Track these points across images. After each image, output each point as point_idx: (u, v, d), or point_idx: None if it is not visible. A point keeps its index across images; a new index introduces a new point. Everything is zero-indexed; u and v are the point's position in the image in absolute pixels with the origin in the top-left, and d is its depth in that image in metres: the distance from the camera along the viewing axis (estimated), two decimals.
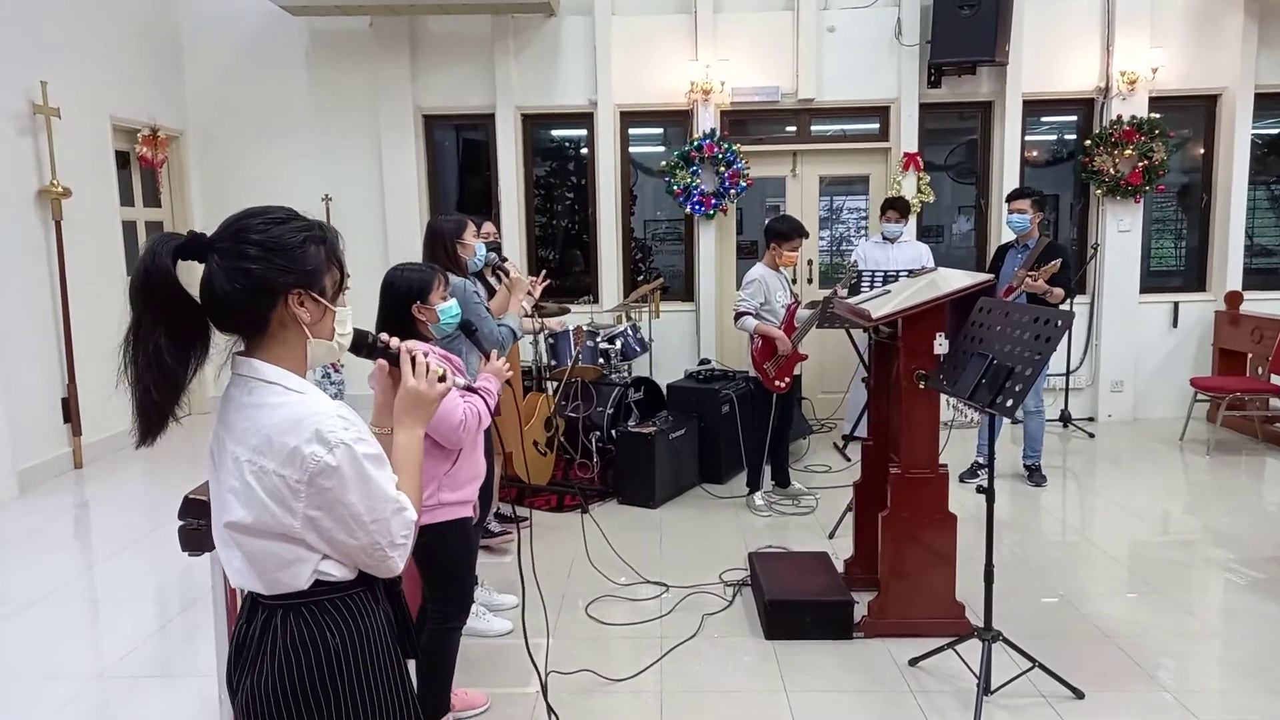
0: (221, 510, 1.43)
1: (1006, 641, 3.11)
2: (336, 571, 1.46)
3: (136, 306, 1.35)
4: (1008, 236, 5.85)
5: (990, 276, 3.50)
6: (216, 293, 1.39)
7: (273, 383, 1.42)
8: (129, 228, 6.81)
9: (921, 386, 3.37)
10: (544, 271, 4.39)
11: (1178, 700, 3.08)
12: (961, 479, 5.64)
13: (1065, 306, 6.43)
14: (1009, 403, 2.80)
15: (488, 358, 2.82)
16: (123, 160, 6.79)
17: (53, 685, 3.29)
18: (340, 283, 1.52)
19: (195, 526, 2.25)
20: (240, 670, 1.49)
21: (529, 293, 3.83)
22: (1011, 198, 5.51)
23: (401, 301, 2.65)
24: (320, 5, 6.73)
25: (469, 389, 1.99)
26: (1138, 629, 3.64)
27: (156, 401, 1.37)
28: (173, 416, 1.40)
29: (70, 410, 5.93)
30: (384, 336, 1.67)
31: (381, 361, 1.66)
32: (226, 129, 7.43)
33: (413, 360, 1.62)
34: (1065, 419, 7.01)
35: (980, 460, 5.76)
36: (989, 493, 3.07)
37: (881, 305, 3.56)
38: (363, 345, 1.62)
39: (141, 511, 5.22)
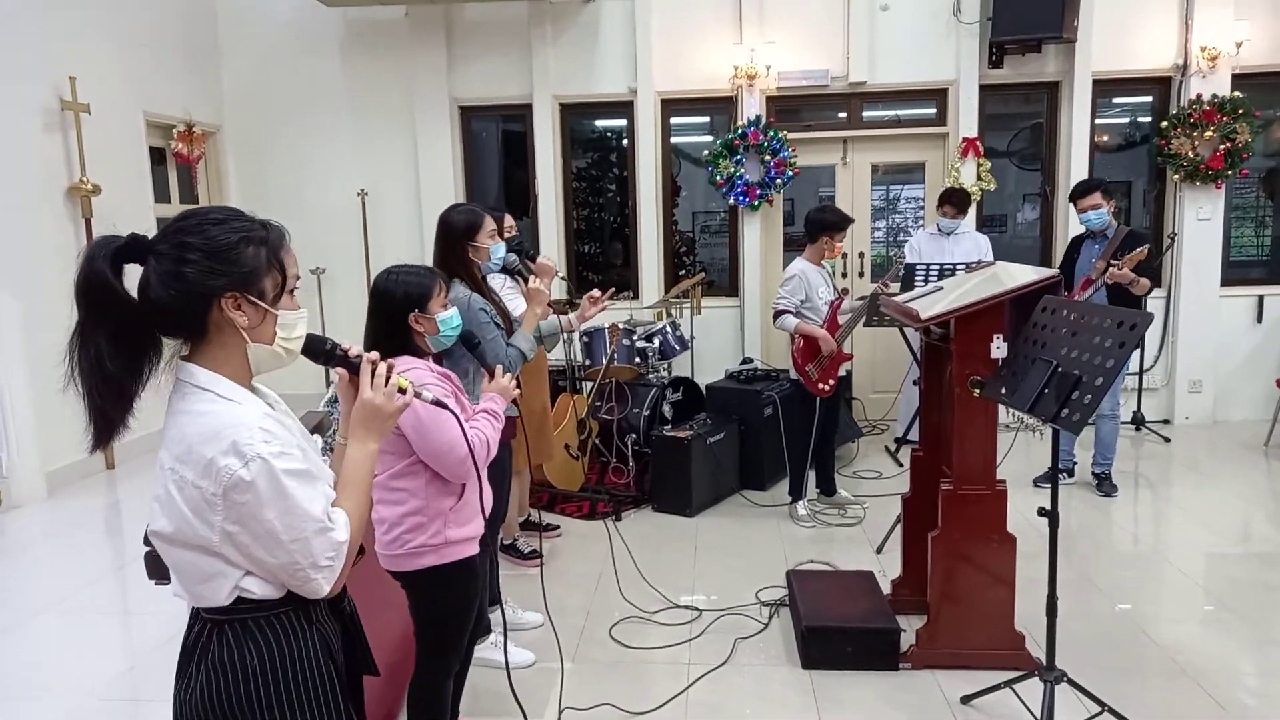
0: (150, 517, 1.41)
1: (1071, 682, 2.77)
2: (258, 589, 1.41)
3: (80, 310, 1.33)
4: (1075, 226, 5.42)
5: (1055, 272, 3.13)
6: (150, 297, 1.35)
7: (205, 389, 1.38)
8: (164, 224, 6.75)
9: (976, 394, 3.03)
10: (611, 289, 3.91)
11: None
12: (1036, 483, 5.26)
13: (1147, 298, 6.05)
14: (1076, 416, 2.46)
15: (491, 375, 2.51)
16: (158, 156, 6.73)
17: (66, 687, 3.16)
18: (282, 286, 1.45)
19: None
20: (178, 680, 1.47)
21: (563, 310, 3.50)
22: (1079, 194, 5.06)
23: (397, 310, 2.32)
24: None
25: (438, 403, 1.72)
26: (1219, 663, 3.25)
27: (100, 408, 1.35)
28: (123, 424, 1.38)
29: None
30: (345, 343, 1.60)
31: (342, 370, 1.61)
32: (262, 123, 7.34)
33: (372, 370, 1.56)
34: (1139, 422, 6.54)
35: (1059, 465, 5.36)
36: (1052, 516, 2.73)
37: (932, 304, 3.23)
38: (319, 351, 1.57)
39: None
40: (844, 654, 3.26)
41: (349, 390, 1.62)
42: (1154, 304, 6.53)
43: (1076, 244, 5.21)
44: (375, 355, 1.58)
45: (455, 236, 3.14)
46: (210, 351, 1.41)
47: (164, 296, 1.34)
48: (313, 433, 2.87)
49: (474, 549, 2.40)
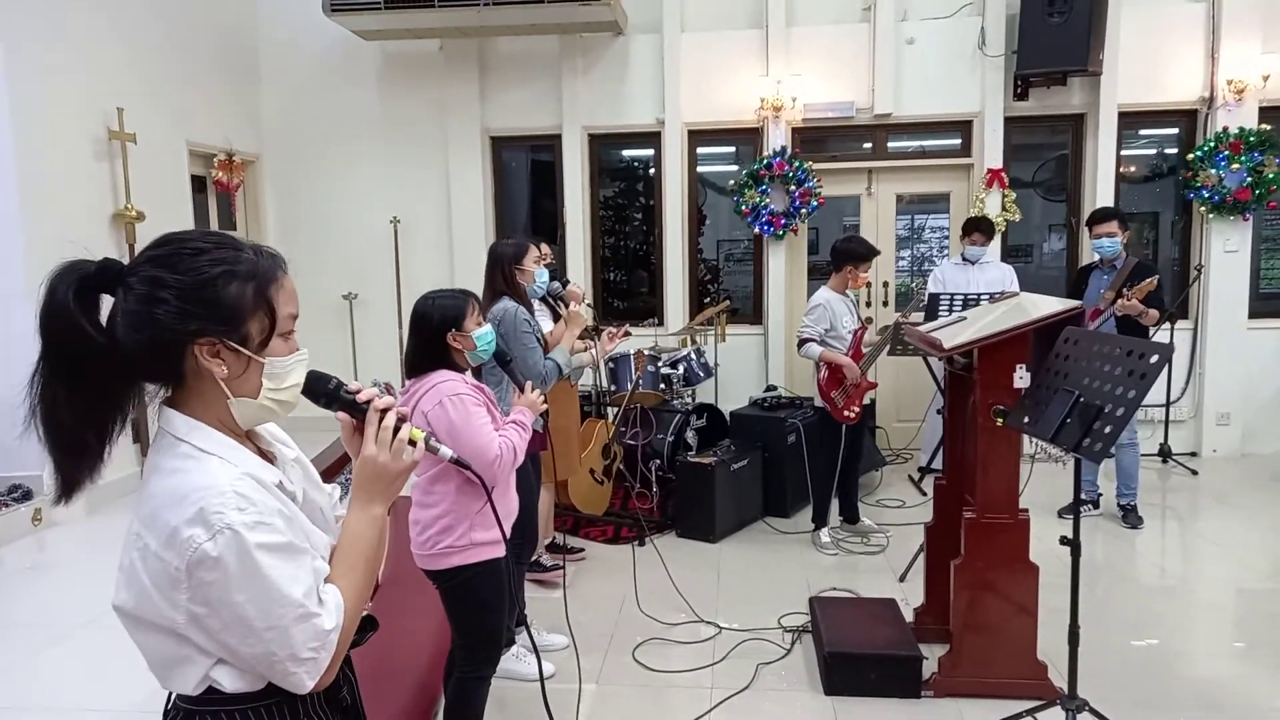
0: (114, 588, 1.20)
1: (1093, 712, 2.78)
2: (229, 682, 1.19)
3: (40, 347, 1.13)
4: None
5: (1078, 304, 3.17)
6: (116, 338, 1.14)
7: (182, 439, 1.18)
8: None
9: (999, 424, 3.06)
10: (625, 326, 4.26)
11: None
12: (1060, 514, 5.25)
13: (1164, 331, 6.03)
14: (1098, 446, 2.49)
15: (522, 390, 2.69)
16: (199, 184, 6.93)
17: (101, 698, 3.25)
18: (271, 329, 1.21)
19: None
20: None
21: (593, 338, 3.73)
22: (1096, 220, 5.09)
23: (437, 331, 2.53)
24: (392, 30, 6.77)
25: (457, 462, 1.51)
26: (1246, 697, 3.23)
27: (58, 463, 1.15)
28: (88, 480, 1.17)
29: (140, 430, 5.99)
30: (353, 384, 1.35)
31: (342, 415, 1.34)
32: (300, 152, 7.53)
33: (380, 420, 1.31)
34: (1165, 454, 6.50)
35: (1083, 496, 5.35)
36: (1074, 545, 2.75)
37: (956, 334, 3.28)
38: (321, 392, 1.31)
39: None
40: (866, 681, 3.27)
41: (353, 440, 1.35)
42: (1180, 336, 6.52)
43: (1085, 273, 5.23)
44: (388, 401, 1.34)
45: (505, 262, 3.51)
46: (190, 400, 1.20)
47: (130, 340, 1.14)
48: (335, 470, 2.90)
49: (499, 551, 2.52)
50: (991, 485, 3.20)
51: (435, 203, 7.37)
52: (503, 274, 3.53)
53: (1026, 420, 2.90)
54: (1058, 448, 2.62)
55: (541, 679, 1.98)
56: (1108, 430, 2.48)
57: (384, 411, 1.31)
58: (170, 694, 1.27)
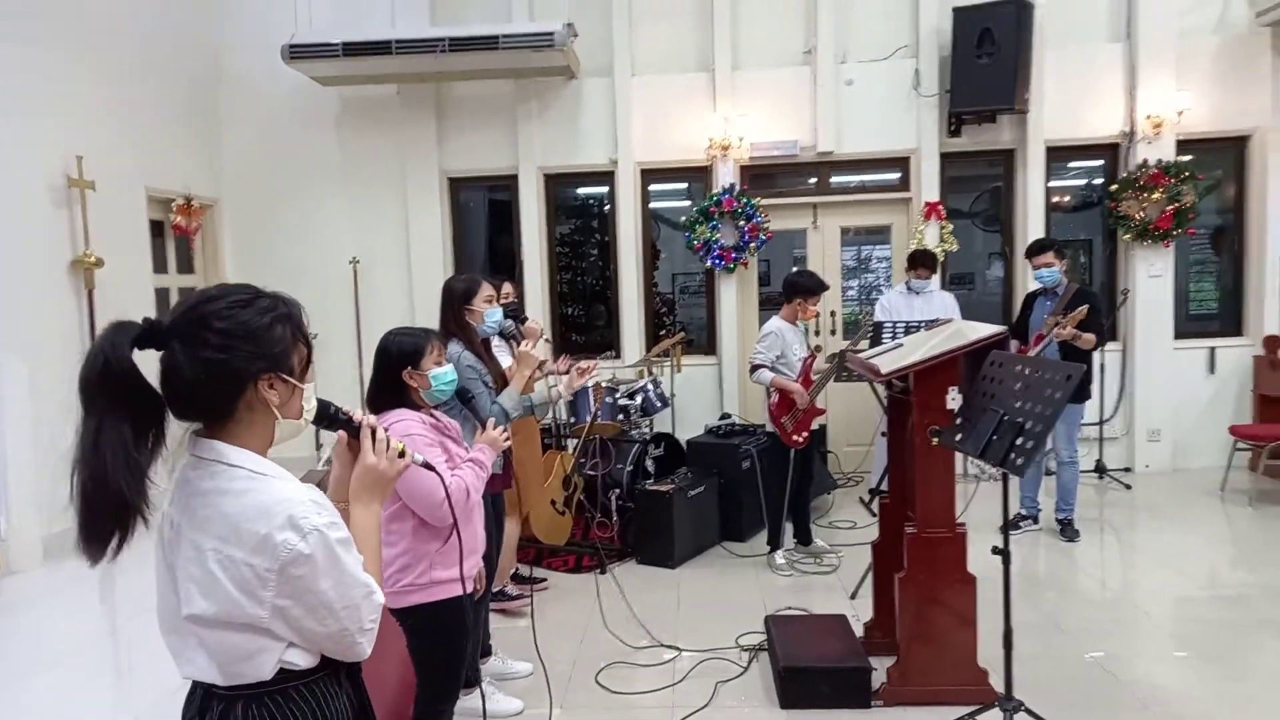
0: (181, 602, 1.36)
1: (1029, 712, 2.97)
2: (301, 660, 1.42)
3: (94, 401, 1.28)
4: (1034, 283, 5.74)
5: (1003, 329, 3.42)
6: (180, 382, 1.34)
7: (236, 466, 1.37)
8: (162, 294, 6.98)
9: (935, 443, 3.28)
10: (595, 360, 4.06)
11: None
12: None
13: (1098, 352, 6.35)
14: (1020, 460, 2.71)
15: (484, 426, 2.77)
16: (157, 228, 6.98)
17: None
18: (308, 358, 1.48)
19: None
20: None
21: (541, 368, 3.69)
22: (1034, 251, 5.41)
23: (393, 367, 2.59)
24: (350, 76, 6.93)
25: (426, 465, 1.81)
26: (1180, 697, 3.45)
27: (131, 502, 1.28)
28: (141, 517, 1.31)
29: None
30: (347, 408, 1.61)
31: (341, 433, 1.62)
32: (259, 195, 7.63)
33: (373, 434, 1.58)
34: (1101, 470, 6.81)
35: (1023, 512, 5.62)
36: (1005, 554, 2.96)
37: (893, 360, 3.50)
38: (325, 416, 1.57)
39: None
40: (819, 693, 3.43)
41: (346, 454, 1.63)
42: (1110, 357, 6.87)
43: (1030, 300, 5.53)
44: (374, 420, 1.61)
45: (454, 301, 3.45)
46: (234, 430, 1.40)
47: (195, 381, 1.33)
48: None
49: (463, 587, 2.55)
50: (930, 501, 3.41)
51: (394, 243, 7.50)
52: (452, 313, 3.46)
53: (959, 439, 3.12)
54: (986, 463, 2.82)
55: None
56: (1029, 445, 2.69)
57: (374, 429, 1.58)
58: (193, 701, 1.46)
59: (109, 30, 6.34)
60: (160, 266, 7.03)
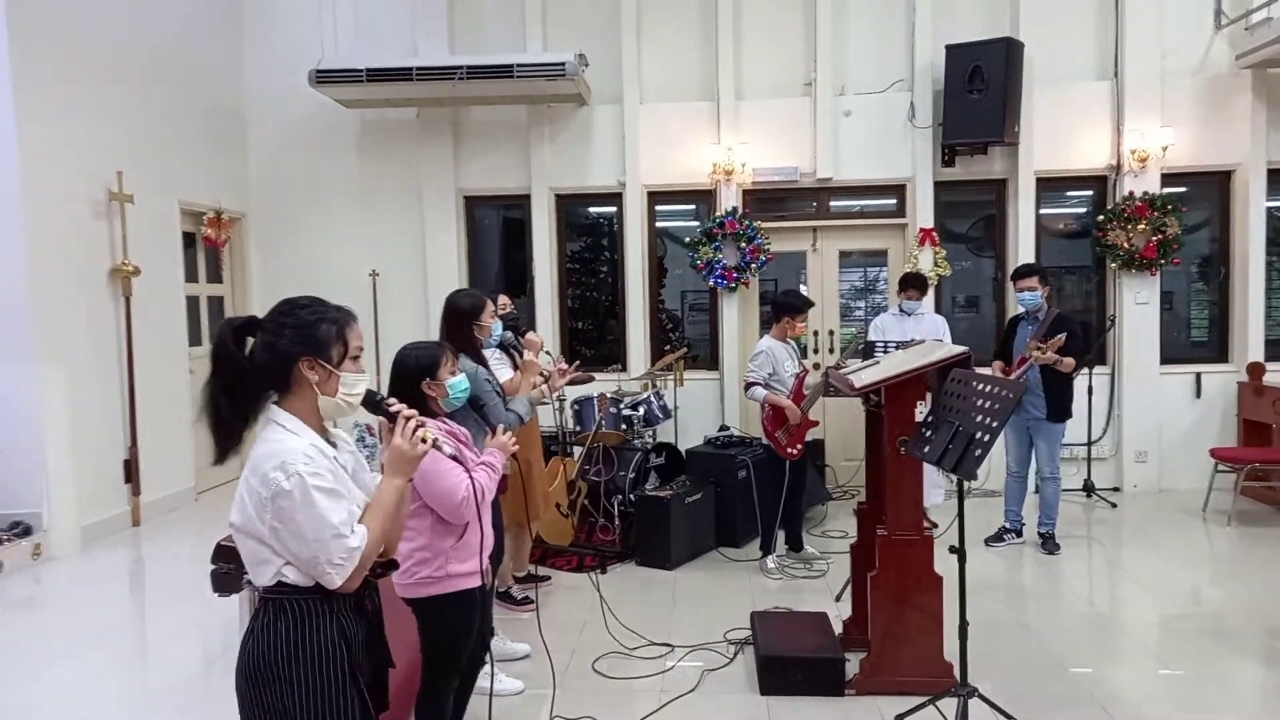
0: (231, 512, 1.88)
1: (982, 698, 3.25)
2: (292, 576, 1.83)
3: (211, 369, 1.87)
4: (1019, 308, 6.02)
5: (964, 349, 3.71)
6: (255, 359, 1.87)
7: (279, 424, 1.87)
8: (192, 302, 7.38)
9: (902, 452, 3.58)
10: (576, 363, 4.41)
11: None
12: (987, 542, 5.78)
13: (1087, 375, 6.65)
14: (968, 466, 3.02)
15: (494, 432, 3.03)
16: (189, 240, 7.38)
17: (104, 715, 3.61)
18: (345, 355, 1.93)
19: (225, 570, 2.55)
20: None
21: (545, 379, 3.99)
22: (1018, 275, 5.71)
23: (412, 378, 2.82)
24: (371, 99, 7.33)
25: (453, 457, 2.23)
26: (1130, 693, 3.72)
27: (216, 441, 1.87)
28: (232, 452, 1.87)
29: (131, 471, 6.38)
30: (391, 400, 2.03)
31: (383, 419, 2.03)
32: (284, 210, 8.03)
33: (405, 422, 1.97)
34: (1089, 489, 7.07)
35: (1007, 525, 5.88)
36: (960, 553, 3.25)
37: (864, 376, 3.81)
38: (370, 403, 2.00)
39: (191, 565, 5.58)
40: (796, 681, 3.73)
41: (388, 437, 2.03)
42: (1099, 380, 7.13)
43: (1014, 324, 5.82)
44: (411, 412, 2.00)
45: (462, 318, 3.72)
46: (291, 400, 1.90)
47: (263, 358, 1.87)
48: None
49: (473, 582, 2.84)
50: (900, 507, 3.70)
51: (411, 257, 7.87)
52: (460, 329, 3.69)
53: (926, 450, 3.43)
54: (941, 469, 3.13)
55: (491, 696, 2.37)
56: (978, 453, 3.00)
57: (409, 418, 1.98)
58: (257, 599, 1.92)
59: (148, 57, 6.79)
60: (191, 276, 7.42)
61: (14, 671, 4.12)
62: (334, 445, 1.97)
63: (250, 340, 1.89)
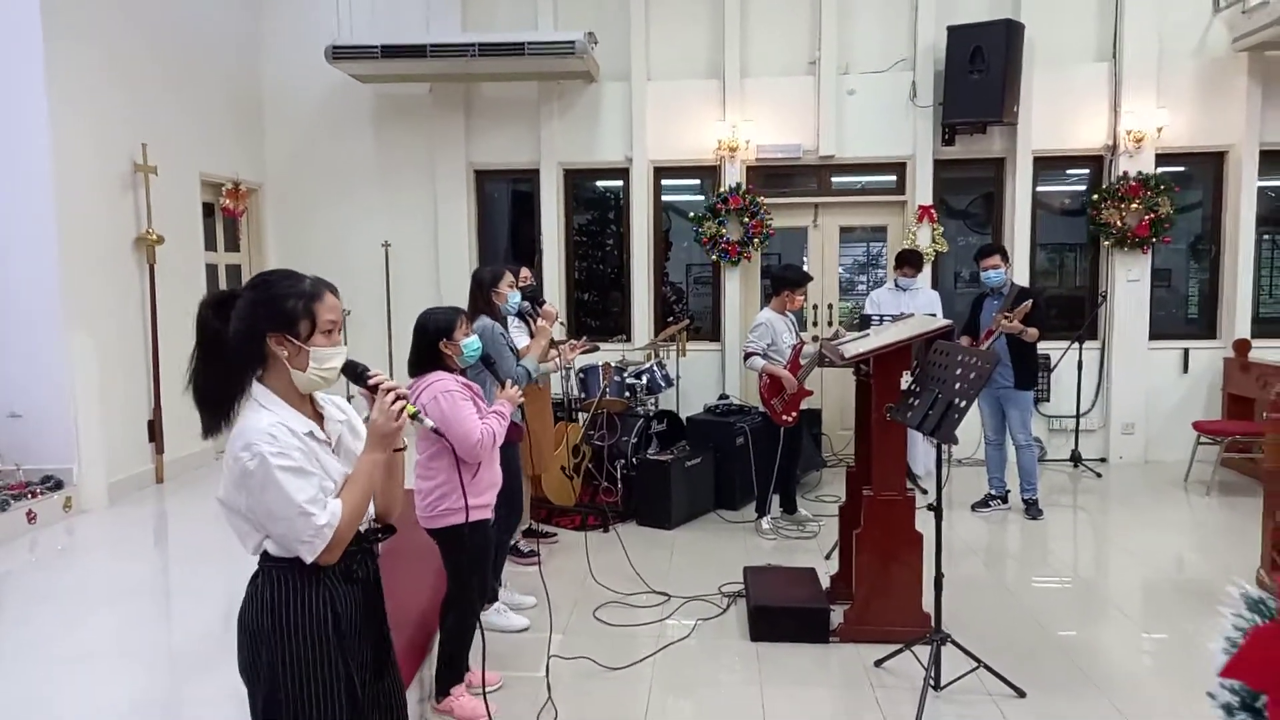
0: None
1: (954, 643, 3.52)
2: (272, 548, 1.88)
3: (195, 341, 1.91)
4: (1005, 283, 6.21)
5: (948, 323, 3.95)
6: (230, 332, 1.86)
7: (256, 400, 1.87)
8: (211, 270, 7.62)
9: (888, 418, 3.82)
10: (585, 338, 4.90)
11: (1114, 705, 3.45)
12: (973, 508, 6.04)
13: (1077, 350, 6.89)
14: (945, 430, 3.26)
15: (503, 386, 3.40)
16: (208, 210, 7.61)
17: (128, 663, 3.87)
18: (314, 329, 1.88)
19: None
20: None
21: (555, 345, 4.41)
22: (982, 255, 5.93)
23: (431, 339, 3.24)
24: (386, 75, 7.51)
25: (435, 431, 2.28)
26: (1098, 644, 3.99)
27: (203, 414, 1.89)
28: (223, 425, 1.89)
29: (155, 431, 6.67)
30: (374, 371, 1.99)
31: (364, 390, 2.00)
32: (299, 182, 8.25)
33: (385, 394, 1.93)
34: (1076, 459, 7.31)
35: (993, 492, 6.14)
36: (938, 511, 3.50)
37: (854, 347, 4.04)
38: (353, 373, 1.99)
39: (213, 521, 5.87)
40: (784, 629, 4.00)
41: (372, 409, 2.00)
42: (1089, 355, 7.36)
43: (979, 301, 6.05)
44: (392, 384, 1.94)
45: (484, 286, 4.21)
46: (269, 376, 1.89)
47: (234, 331, 1.85)
48: None
49: (488, 513, 3.26)
50: (884, 469, 3.96)
51: (423, 229, 8.09)
52: (483, 297, 4.25)
53: (909, 415, 3.67)
54: (922, 432, 3.38)
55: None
56: (955, 417, 3.24)
57: (389, 391, 1.94)
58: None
59: (171, 33, 6.98)
60: (210, 245, 7.66)
61: (60, 618, 4.30)
62: (320, 418, 1.97)
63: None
